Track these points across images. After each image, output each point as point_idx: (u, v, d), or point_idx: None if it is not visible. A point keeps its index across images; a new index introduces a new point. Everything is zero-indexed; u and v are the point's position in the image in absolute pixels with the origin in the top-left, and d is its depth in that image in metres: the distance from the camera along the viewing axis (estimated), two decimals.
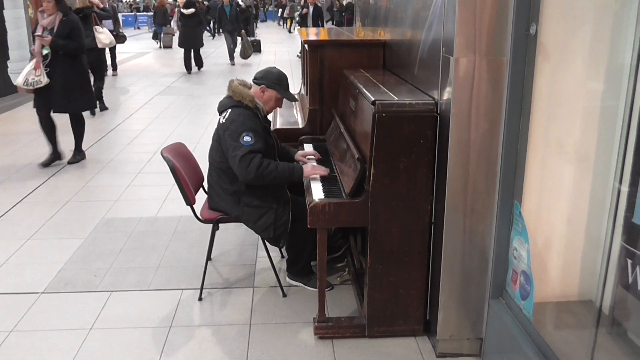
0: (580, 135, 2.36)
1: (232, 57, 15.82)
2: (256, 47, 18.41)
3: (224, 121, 3.36)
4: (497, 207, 2.71)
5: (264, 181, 3.26)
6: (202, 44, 14.32)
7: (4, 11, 10.29)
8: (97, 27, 8.92)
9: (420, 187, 2.85)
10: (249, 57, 15.53)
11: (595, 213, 2.34)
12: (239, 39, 15.88)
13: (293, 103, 4.71)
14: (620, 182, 2.18)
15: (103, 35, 8.97)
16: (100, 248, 4.28)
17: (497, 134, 2.63)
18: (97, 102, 9.15)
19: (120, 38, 13.19)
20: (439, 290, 2.88)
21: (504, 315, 2.70)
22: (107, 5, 12.99)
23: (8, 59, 10.39)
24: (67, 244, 4.35)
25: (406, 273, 3.00)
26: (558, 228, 2.53)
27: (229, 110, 3.38)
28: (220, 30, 16.50)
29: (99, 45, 8.98)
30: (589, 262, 2.43)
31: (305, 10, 16.40)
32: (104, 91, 9.63)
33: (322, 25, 16.04)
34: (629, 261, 2.02)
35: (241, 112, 3.34)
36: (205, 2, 22.40)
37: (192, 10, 13.55)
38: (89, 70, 7.87)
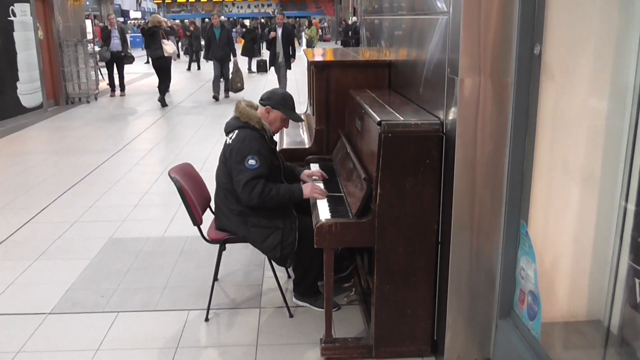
0: (586, 155, 2.37)
1: (217, 89, 13.01)
2: (262, 67, 18.51)
3: (230, 142, 3.39)
4: (504, 226, 2.71)
5: (266, 206, 3.30)
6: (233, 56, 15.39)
7: (14, 33, 10.44)
8: (164, 40, 11.62)
9: (426, 207, 2.85)
10: (239, 90, 12.79)
11: (602, 232, 2.34)
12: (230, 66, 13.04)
13: (300, 123, 4.74)
14: (627, 201, 2.18)
15: (168, 46, 11.70)
16: (108, 268, 4.29)
17: (503, 154, 2.64)
18: (163, 98, 12.15)
19: (128, 59, 13.37)
20: (446, 310, 2.87)
21: (512, 336, 2.68)
22: (116, 27, 13.21)
23: (18, 80, 10.51)
24: (74, 264, 4.36)
25: (413, 293, 2.99)
26: (565, 248, 2.53)
27: (236, 131, 3.41)
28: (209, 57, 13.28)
29: (165, 55, 11.62)
30: (597, 281, 2.42)
31: (272, 33, 12.51)
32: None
33: (294, 51, 12.57)
34: (637, 281, 2.02)
35: (247, 133, 3.37)
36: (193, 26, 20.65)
37: None
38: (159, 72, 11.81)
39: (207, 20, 32.13)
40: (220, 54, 12.75)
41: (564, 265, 2.55)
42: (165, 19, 12.84)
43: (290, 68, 12.51)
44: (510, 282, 2.75)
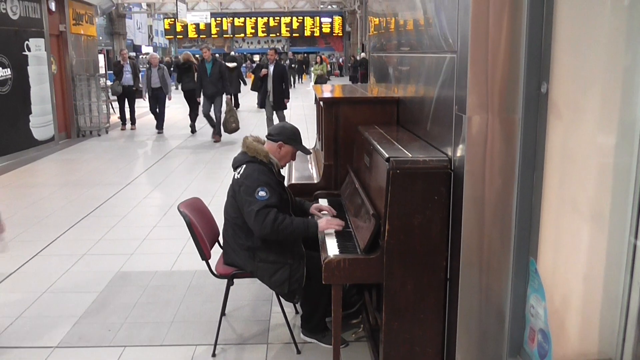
0: (594, 191, 2.37)
1: (217, 131, 11.90)
2: None
3: (238, 177, 3.42)
4: (513, 263, 2.69)
5: (280, 236, 3.28)
6: (239, 90, 16.55)
7: (28, 67, 10.62)
8: (197, 73, 12.38)
9: (435, 243, 2.85)
10: (234, 131, 11.42)
11: (612, 269, 2.33)
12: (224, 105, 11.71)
13: (308, 158, 4.77)
14: (636, 238, 2.17)
15: None
16: (115, 302, 4.29)
17: (511, 191, 2.64)
18: (192, 126, 13.18)
19: (139, 93, 13.57)
20: (456, 348, 2.84)
21: None
22: (128, 62, 13.43)
23: (30, 113, 10.66)
24: (82, 297, 4.36)
25: (422, 330, 2.96)
26: (575, 285, 2.51)
27: (244, 165, 3.44)
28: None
29: None
30: (608, 319, 2.40)
31: (264, 70, 11.28)
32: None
33: (287, 91, 11.35)
34: None
35: (256, 167, 3.40)
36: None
37: (234, 64, 16.48)
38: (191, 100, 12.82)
39: (217, 55, 32.53)
40: (211, 91, 11.56)
41: (575, 303, 2.53)
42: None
43: (285, 108, 11.36)
44: (520, 320, 2.73)
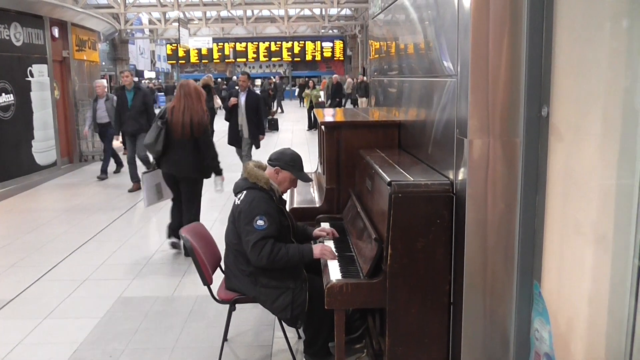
0: (597, 214, 2.36)
1: (134, 176, 9.31)
2: (273, 125, 18.76)
3: (239, 203, 3.42)
4: (516, 286, 2.68)
5: (276, 266, 3.29)
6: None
7: (31, 93, 10.69)
8: (215, 96, 12.81)
9: (438, 267, 2.84)
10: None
11: (617, 292, 2.31)
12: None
13: (310, 182, 4.77)
14: None
15: (217, 101, 13.20)
16: (117, 328, 4.26)
17: (514, 214, 2.64)
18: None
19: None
20: None
21: None
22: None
23: (33, 138, 10.70)
24: (83, 323, 4.33)
25: (426, 355, 2.94)
26: (579, 308, 2.49)
27: (244, 192, 3.44)
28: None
29: (216, 106, 12.88)
30: (613, 342, 2.37)
31: (233, 99, 8.76)
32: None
33: (261, 126, 8.98)
34: None
35: (256, 194, 3.39)
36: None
37: None
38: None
39: (220, 80, 32.60)
40: (133, 127, 8.89)
41: (580, 326, 2.51)
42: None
43: (258, 147, 9.03)
44: (525, 344, 2.70)
